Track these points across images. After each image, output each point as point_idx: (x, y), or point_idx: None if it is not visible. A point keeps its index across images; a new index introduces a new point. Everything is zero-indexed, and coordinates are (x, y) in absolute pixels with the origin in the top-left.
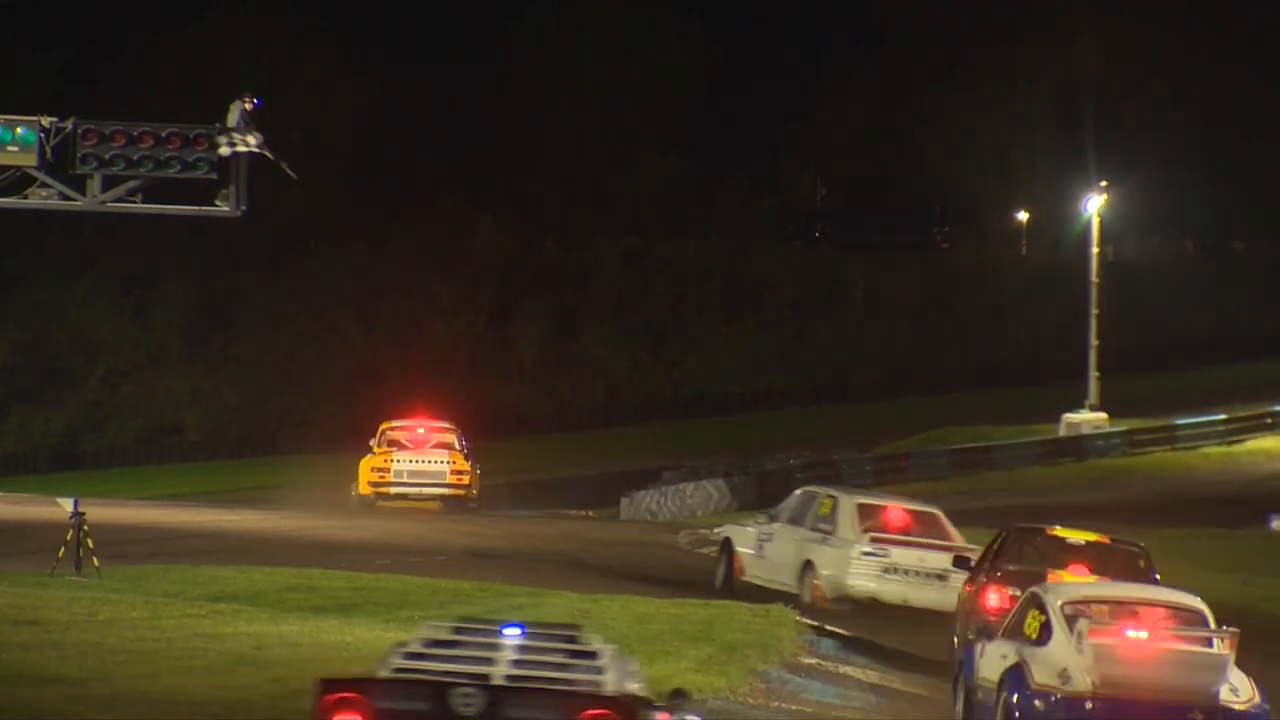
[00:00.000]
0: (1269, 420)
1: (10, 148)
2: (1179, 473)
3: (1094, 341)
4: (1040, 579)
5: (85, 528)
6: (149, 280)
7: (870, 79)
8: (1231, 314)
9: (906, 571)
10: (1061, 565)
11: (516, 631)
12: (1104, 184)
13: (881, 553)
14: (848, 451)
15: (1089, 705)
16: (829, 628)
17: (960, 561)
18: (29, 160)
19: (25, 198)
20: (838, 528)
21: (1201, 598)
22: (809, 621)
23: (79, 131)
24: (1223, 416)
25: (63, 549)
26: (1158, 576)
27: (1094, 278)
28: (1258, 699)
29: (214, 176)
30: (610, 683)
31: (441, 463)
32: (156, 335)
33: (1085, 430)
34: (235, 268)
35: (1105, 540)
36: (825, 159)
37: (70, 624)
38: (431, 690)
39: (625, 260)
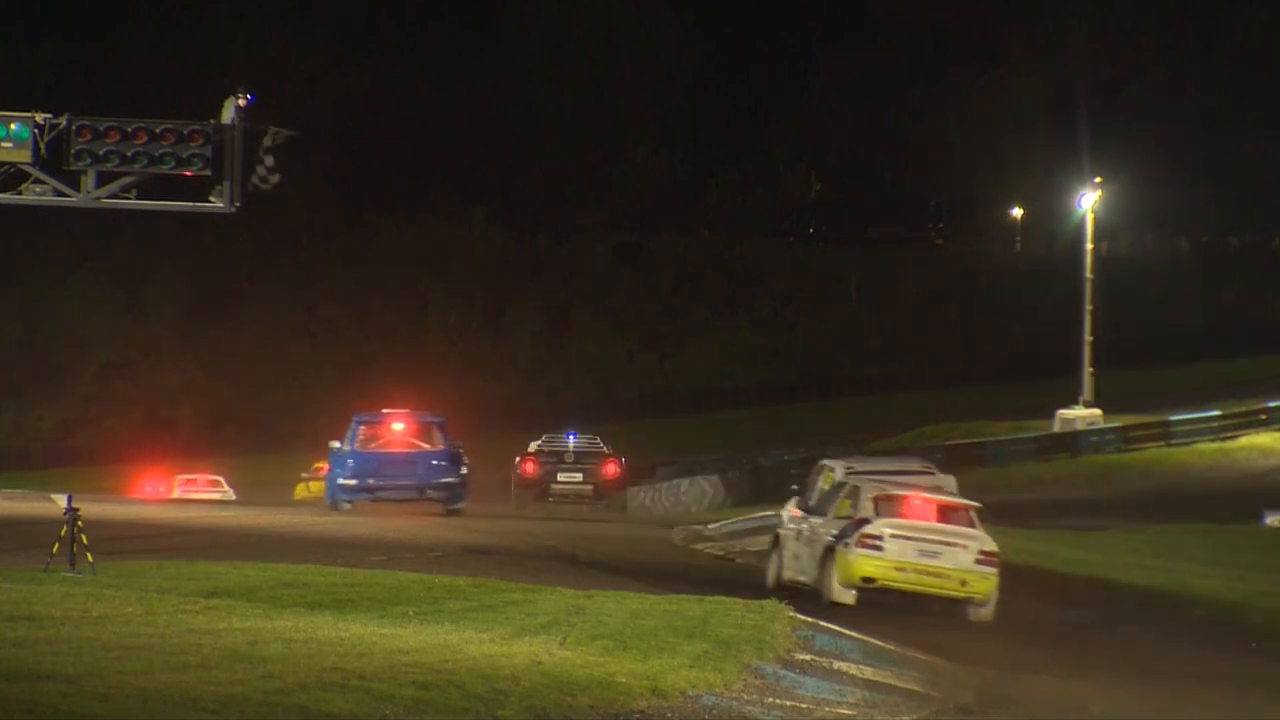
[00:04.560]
0: (1263, 416)
1: (4, 144)
2: (1173, 469)
3: (1088, 337)
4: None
5: (79, 524)
6: (142, 275)
7: (863, 74)
8: (1226, 309)
9: None
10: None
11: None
12: (1098, 180)
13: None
14: (842, 447)
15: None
16: (824, 623)
17: None
18: (23, 156)
19: (20, 194)
20: None
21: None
22: (804, 618)
23: (73, 128)
24: (1217, 413)
25: (57, 545)
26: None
27: (1088, 274)
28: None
29: (208, 173)
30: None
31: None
32: (150, 330)
33: (1080, 426)
34: (228, 262)
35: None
36: (818, 154)
37: (65, 620)
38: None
39: (618, 254)
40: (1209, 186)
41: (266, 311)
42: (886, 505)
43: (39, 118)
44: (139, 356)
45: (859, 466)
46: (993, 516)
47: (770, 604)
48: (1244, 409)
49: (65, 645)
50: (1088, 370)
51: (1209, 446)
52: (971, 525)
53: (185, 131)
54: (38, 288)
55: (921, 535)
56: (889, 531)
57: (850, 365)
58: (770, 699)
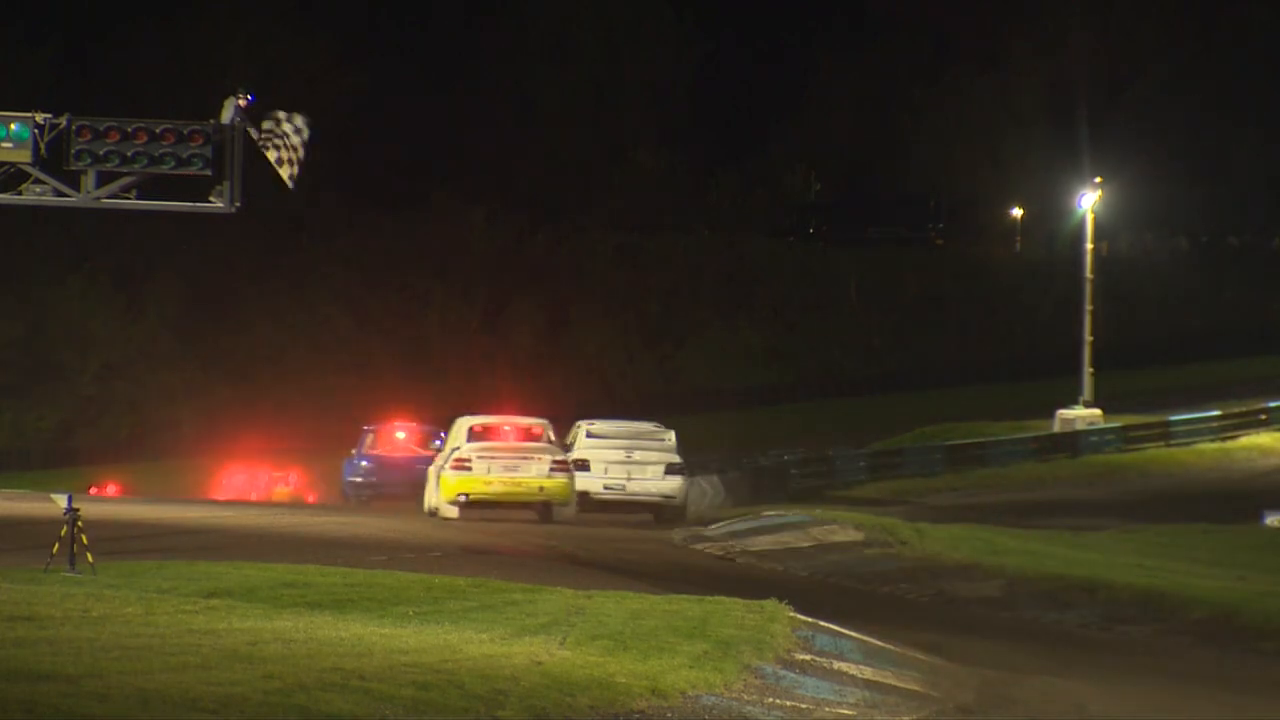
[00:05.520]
0: (1263, 416)
1: (4, 144)
2: (1173, 469)
3: (1088, 337)
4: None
5: (79, 524)
6: (142, 275)
7: (863, 73)
8: (1226, 309)
9: None
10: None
11: None
12: (1098, 180)
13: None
14: (842, 447)
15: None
16: (824, 624)
17: None
18: (23, 156)
19: (20, 194)
20: None
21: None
22: (804, 618)
23: (73, 128)
24: (1217, 413)
25: (57, 545)
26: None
27: (1088, 274)
28: None
29: (208, 173)
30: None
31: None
32: (149, 330)
33: (1080, 426)
34: (228, 262)
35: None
36: (818, 154)
37: (64, 620)
38: None
39: (619, 254)
40: (1209, 186)
41: (266, 311)
42: (477, 433)
43: (39, 118)
44: (139, 356)
45: (599, 426)
46: (993, 516)
47: (770, 604)
48: (1244, 409)
49: (65, 645)
50: (1088, 370)
51: (1209, 446)
52: (550, 442)
53: (185, 131)
54: (38, 288)
55: (503, 454)
56: (475, 454)
57: (850, 365)
58: (770, 699)
